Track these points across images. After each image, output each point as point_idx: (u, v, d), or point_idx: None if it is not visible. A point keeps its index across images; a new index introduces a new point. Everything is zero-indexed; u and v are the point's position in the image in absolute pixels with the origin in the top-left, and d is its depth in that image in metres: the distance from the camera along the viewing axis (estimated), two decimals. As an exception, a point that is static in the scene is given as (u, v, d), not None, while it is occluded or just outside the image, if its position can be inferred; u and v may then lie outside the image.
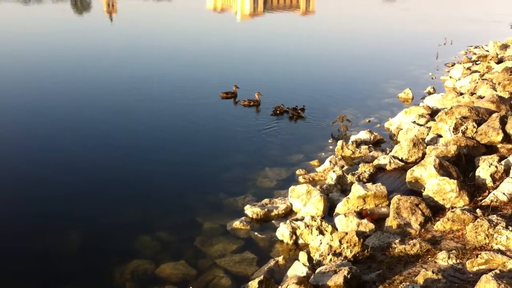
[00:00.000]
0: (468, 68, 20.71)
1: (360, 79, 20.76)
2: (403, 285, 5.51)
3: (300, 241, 8.22)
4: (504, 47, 25.01)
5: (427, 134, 11.91)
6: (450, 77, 20.41)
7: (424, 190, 8.42)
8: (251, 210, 9.09)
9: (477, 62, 22.23)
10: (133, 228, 8.67)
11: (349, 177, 9.92)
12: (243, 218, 8.96)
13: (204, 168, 11.26)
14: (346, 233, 7.06)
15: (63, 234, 8.43)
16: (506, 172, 8.59)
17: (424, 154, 10.30)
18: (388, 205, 8.22)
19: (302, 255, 7.32)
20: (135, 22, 39.29)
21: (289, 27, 40.84)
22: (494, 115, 10.62)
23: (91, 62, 22.09)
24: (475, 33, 34.54)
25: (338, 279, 5.91)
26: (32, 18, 39.12)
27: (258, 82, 18.84)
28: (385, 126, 14.39)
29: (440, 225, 7.31)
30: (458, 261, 6.12)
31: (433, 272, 5.61)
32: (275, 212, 9.15)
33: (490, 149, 10.02)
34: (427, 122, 13.06)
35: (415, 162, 9.97)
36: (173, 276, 7.42)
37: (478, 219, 6.75)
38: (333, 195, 9.52)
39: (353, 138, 12.77)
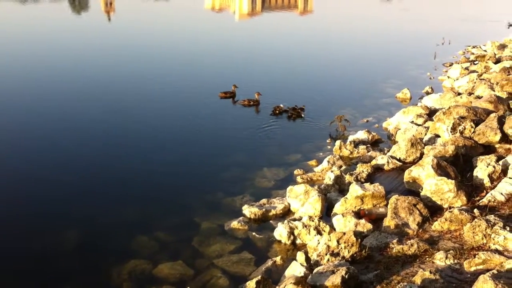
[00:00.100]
0: (466, 68, 20.73)
1: (358, 79, 20.77)
2: (401, 285, 5.51)
3: (298, 241, 8.22)
4: (502, 47, 25.03)
5: (425, 134, 11.91)
6: (448, 77, 20.43)
7: (422, 190, 8.42)
8: (249, 210, 9.08)
9: (475, 62, 22.25)
10: (131, 228, 8.67)
11: (347, 177, 9.92)
12: (241, 218, 8.96)
13: (202, 167, 11.26)
14: (344, 233, 7.06)
15: (61, 233, 8.43)
16: (503, 172, 8.59)
17: (422, 154, 10.30)
18: (386, 205, 8.21)
19: (300, 255, 7.31)
20: (133, 21, 39.26)
21: (287, 27, 40.85)
22: (492, 115, 10.63)
23: (89, 62, 22.06)
24: (473, 33, 34.58)
25: (336, 279, 5.91)
26: (30, 17, 39.05)
27: (256, 81, 18.85)
28: (383, 126, 14.39)
29: (438, 225, 7.31)
30: (455, 261, 6.12)
31: (430, 272, 5.62)
32: (273, 212, 9.15)
33: (488, 149, 10.02)
34: (425, 122, 13.07)
35: (413, 162, 9.97)
36: (171, 276, 7.42)
37: (476, 219, 6.75)
38: (331, 195, 9.52)
39: (351, 138, 12.77)
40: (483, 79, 16.57)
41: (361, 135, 12.82)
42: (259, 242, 8.39)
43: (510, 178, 8.12)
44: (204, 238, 8.43)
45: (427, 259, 6.38)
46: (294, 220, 8.63)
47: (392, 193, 8.66)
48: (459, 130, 10.62)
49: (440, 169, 8.61)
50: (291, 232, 8.26)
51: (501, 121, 10.26)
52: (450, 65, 22.96)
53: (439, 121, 11.59)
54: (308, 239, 8.14)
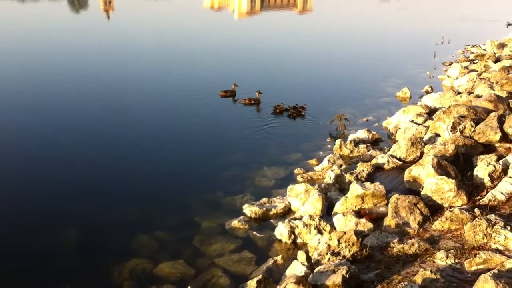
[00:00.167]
0: (466, 67, 20.74)
1: (358, 78, 20.76)
2: (402, 284, 5.52)
3: (299, 241, 8.23)
4: (501, 46, 25.05)
5: (425, 133, 11.92)
6: (448, 76, 20.43)
7: (422, 189, 8.43)
8: (249, 209, 9.09)
9: (475, 61, 22.27)
10: (131, 227, 8.67)
11: (347, 176, 9.93)
12: (241, 217, 8.96)
13: (203, 166, 11.26)
14: (345, 233, 7.07)
15: (62, 232, 8.44)
16: (504, 172, 8.61)
17: (422, 153, 10.31)
18: (387, 204, 8.22)
19: (301, 255, 7.32)
20: (132, 20, 39.18)
21: (287, 26, 40.80)
22: (492, 114, 10.65)
23: (88, 60, 22.02)
24: (472, 32, 34.57)
25: (337, 278, 5.92)
26: (29, 16, 38.97)
27: (256, 80, 18.84)
28: (383, 125, 14.40)
29: (438, 225, 7.32)
30: (456, 260, 6.13)
31: (431, 271, 5.63)
32: (273, 211, 9.15)
33: (488, 148, 10.04)
34: (425, 121, 13.07)
35: (413, 161, 9.98)
36: (172, 275, 7.43)
37: (476, 219, 6.76)
38: (331, 194, 9.52)
39: (351, 137, 12.78)
40: (483, 78, 16.58)
41: (361, 134, 12.83)
42: (260, 241, 8.40)
43: (510, 177, 8.13)
44: (204, 237, 8.44)
45: (428, 258, 6.38)
46: (295, 219, 8.64)
47: (393, 192, 8.67)
48: (459, 129, 10.63)
49: (441, 168, 8.62)
50: (292, 231, 8.27)
51: (501, 120, 10.28)
52: (449, 64, 22.96)
53: (439, 120, 11.60)
54: (308, 238, 8.15)
